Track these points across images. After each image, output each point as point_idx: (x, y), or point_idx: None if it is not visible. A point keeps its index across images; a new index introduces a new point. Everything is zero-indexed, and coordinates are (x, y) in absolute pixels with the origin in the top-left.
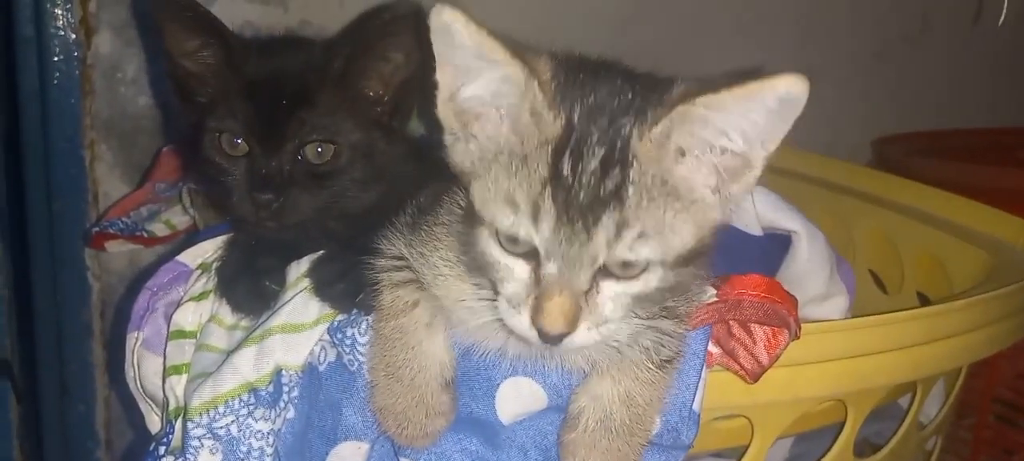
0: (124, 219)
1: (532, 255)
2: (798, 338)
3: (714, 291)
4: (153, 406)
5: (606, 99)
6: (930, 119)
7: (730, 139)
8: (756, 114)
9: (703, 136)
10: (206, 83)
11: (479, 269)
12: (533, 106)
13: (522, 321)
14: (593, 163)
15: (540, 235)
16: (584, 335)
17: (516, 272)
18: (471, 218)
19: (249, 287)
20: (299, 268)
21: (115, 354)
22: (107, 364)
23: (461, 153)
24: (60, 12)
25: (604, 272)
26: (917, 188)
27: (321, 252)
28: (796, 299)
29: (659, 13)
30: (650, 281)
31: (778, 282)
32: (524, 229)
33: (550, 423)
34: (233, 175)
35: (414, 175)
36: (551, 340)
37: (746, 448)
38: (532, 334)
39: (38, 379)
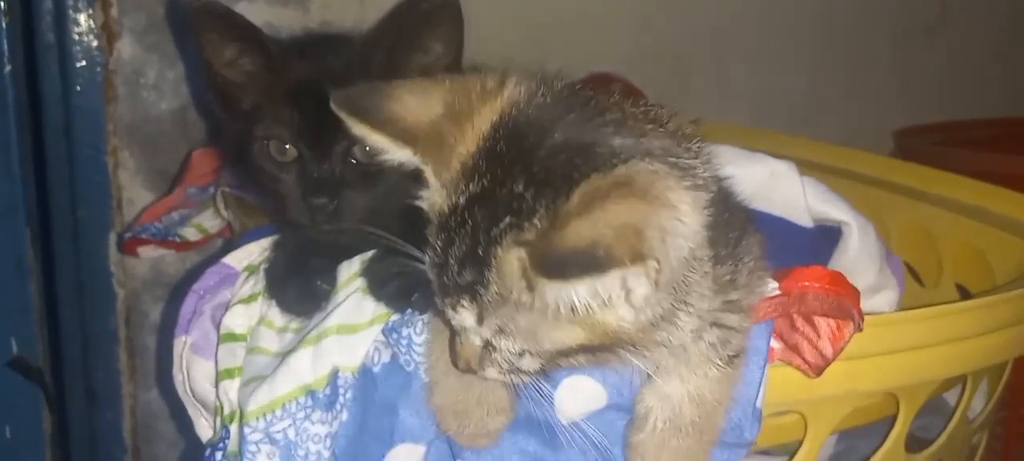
0: (156, 224)
1: None
2: (861, 330)
3: (775, 284)
4: (202, 411)
5: (497, 188)
6: (951, 109)
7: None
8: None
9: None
10: (248, 91)
11: None
12: (432, 180)
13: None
14: (460, 251)
15: (432, 282)
16: (495, 376)
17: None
18: None
19: (301, 288)
20: (350, 267)
21: (141, 361)
22: (133, 371)
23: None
24: (82, 18)
25: None
26: (954, 179)
27: (373, 251)
28: (858, 291)
29: (680, 8)
30: (530, 364)
31: (841, 273)
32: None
33: (610, 422)
34: (285, 182)
35: None
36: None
37: (795, 445)
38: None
39: (65, 387)
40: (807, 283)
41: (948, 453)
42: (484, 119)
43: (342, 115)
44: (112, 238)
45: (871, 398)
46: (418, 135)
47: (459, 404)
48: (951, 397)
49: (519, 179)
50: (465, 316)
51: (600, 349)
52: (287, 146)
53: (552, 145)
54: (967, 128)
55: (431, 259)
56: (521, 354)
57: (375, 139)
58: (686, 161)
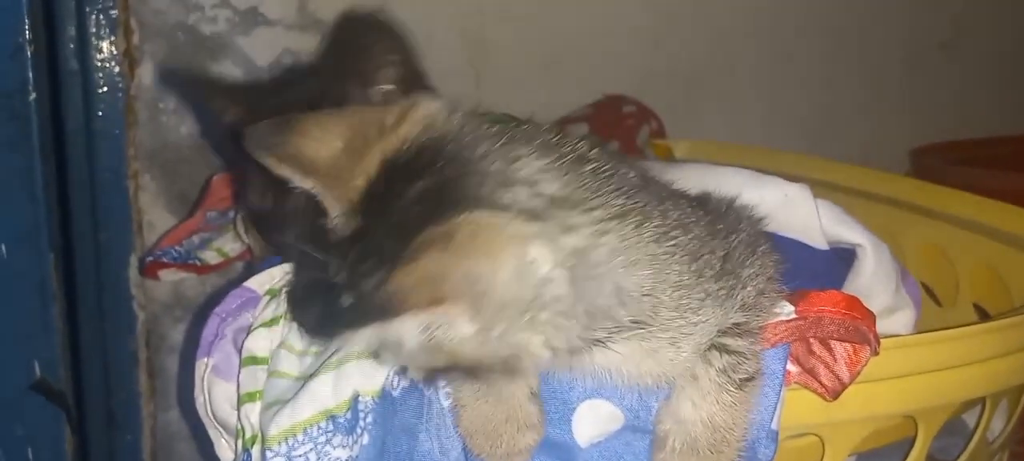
0: (177, 248)
1: None
2: (877, 354)
3: (792, 308)
4: (223, 433)
5: (369, 227)
6: (965, 127)
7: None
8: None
9: None
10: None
11: None
12: (330, 206)
13: None
14: (341, 278)
15: None
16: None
17: None
18: None
19: (322, 311)
20: None
21: (161, 383)
22: (153, 393)
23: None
24: (104, 45)
25: None
26: (971, 199)
27: None
28: (874, 315)
29: (691, 26)
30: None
31: (857, 298)
32: None
33: (626, 443)
34: (272, 222)
35: None
36: None
37: None
38: None
39: (85, 409)
40: (823, 307)
41: None
42: (375, 156)
43: (251, 150)
44: (133, 261)
45: (889, 420)
46: (318, 168)
47: (489, 425)
48: (970, 418)
49: (383, 223)
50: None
51: (469, 369)
52: (265, 191)
53: (418, 190)
54: (984, 146)
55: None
56: (403, 369)
57: (281, 171)
58: (574, 201)
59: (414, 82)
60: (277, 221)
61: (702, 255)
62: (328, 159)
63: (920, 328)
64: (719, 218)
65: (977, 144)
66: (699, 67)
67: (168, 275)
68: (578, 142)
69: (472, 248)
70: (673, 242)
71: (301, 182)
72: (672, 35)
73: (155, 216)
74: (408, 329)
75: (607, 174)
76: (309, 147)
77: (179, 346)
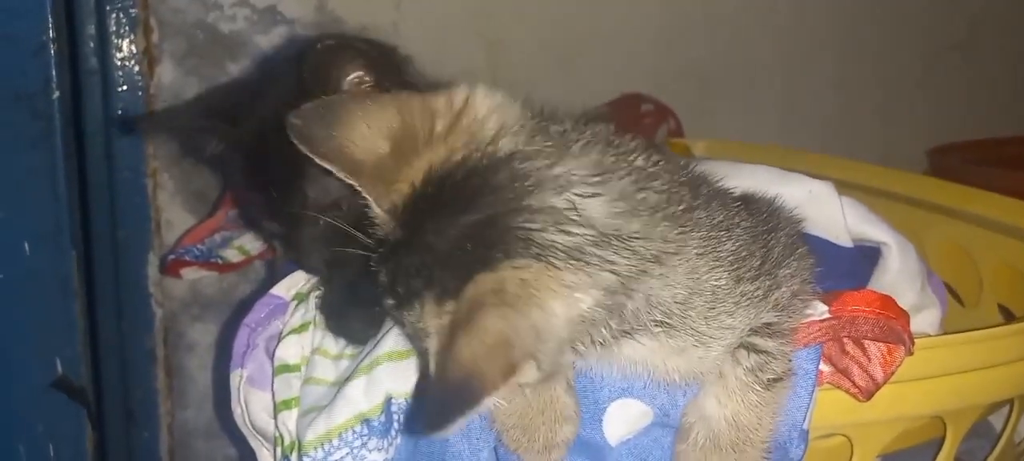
0: (199, 246)
1: None
2: (912, 354)
3: (825, 308)
4: (264, 442)
5: (414, 243)
6: (983, 127)
7: None
8: None
9: None
10: (230, 158)
11: None
12: (377, 206)
13: None
14: (385, 278)
15: None
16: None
17: None
18: None
19: (362, 315)
20: None
21: (178, 381)
22: (170, 390)
23: None
24: (124, 44)
25: None
26: (994, 198)
27: None
28: (908, 314)
29: (706, 26)
30: None
31: (891, 297)
32: None
33: (654, 439)
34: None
35: None
36: None
37: None
38: None
39: (104, 406)
40: (857, 307)
41: None
42: (422, 164)
43: (295, 139)
44: (151, 259)
45: (917, 421)
46: (363, 169)
47: (524, 419)
48: (996, 420)
49: (430, 246)
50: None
51: None
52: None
53: (468, 224)
54: (1002, 145)
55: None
56: None
57: (325, 166)
58: (603, 238)
59: (381, 86)
60: (296, 248)
61: (742, 257)
62: (374, 160)
63: (945, 328)
64: (760, 219)
65: (996, 143)
66: (714, 67)
67: (190, 273)
68: (633, 155)
69: (526, 303)
70: (716, 252)
71: (345, 178)
72: (687, 35)
73: (173, 214)
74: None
75: (658, 195)
76: (354, 144)
77: (197, 344)
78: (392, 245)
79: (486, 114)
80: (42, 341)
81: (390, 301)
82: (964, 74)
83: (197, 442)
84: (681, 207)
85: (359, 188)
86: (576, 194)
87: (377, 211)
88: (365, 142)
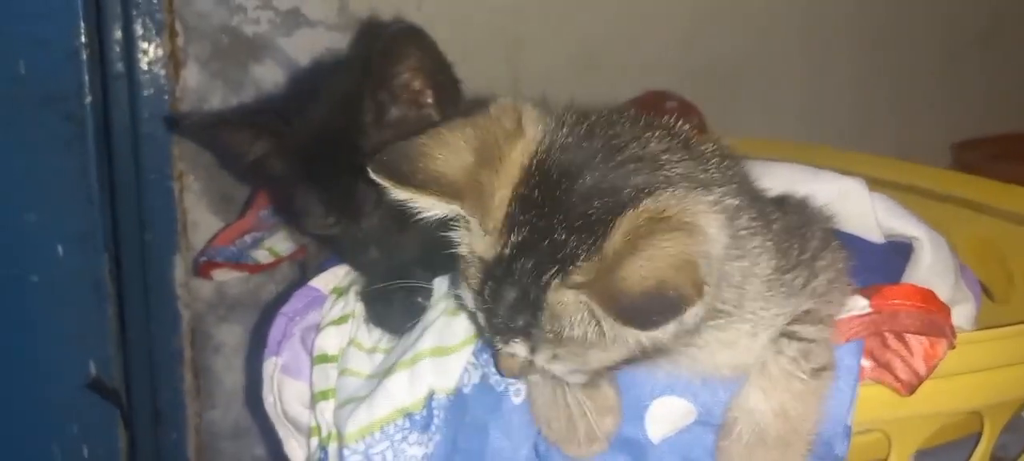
0: (230, 248)
1: None
2: (954, 348)
3: (866, 302)
4: (294, 432)
5: (540, 237)
6: (1004, 122)
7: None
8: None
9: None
10: (274, 164)
11: None
12: (476, 230)
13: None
14: (509, 297)
15: (478, 318)
16: (537, 378)
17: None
18: None
19: (404, 306)
20: (443, 284)
21: (205, 381)
22: (198, 391)
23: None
24: (150, 48)
25: None
26: (1020, 192)
27: None
28: (949, 308)
29: (727, 23)
30: (576, 378)
31: (932, 291)
32: (469, 305)
33: (696, 437)
34: (338, 242)
35: None
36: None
37: None
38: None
39: (132, 407)
40: (898, 301)
41: None
42: (514, 163)
43: (385, 184)
44: (178, 260)
45: (955, 416)
46: (461, 189)
47: (566, 411)
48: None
49: (558, 227)
50: (518, 349)
51: (638, 359)
52: (326, 220)
53: (583, 189)
54: None
55: (476, 302)
56: (571, 372)
57: (422, 201)
58: (707, 181)
59: (438, 79)
60: (352, 242)
61: (783, 249)
62: (467, 176)
63: (977, 323)
64: (794, 215)
65: (1021, 139)
66: (735, 64)
67: (221, 275)
68: (682, 136)
69: (691, 224)
70: (762, 236)
71: (445, 208)
72: (708, 32)
73: (199, 216)
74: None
75: (713, 163)
76: (444, 169)
77: (223, 345)
78: (507, 257)
79: (541, 114)
80: (76, 343)
81: (502, 317)
82: (985, 68)
83: (224, 443)
84: (734, 180)
85: (463, 213)
86: (669, 149)
87: (479, 230)
88: (452, 161)
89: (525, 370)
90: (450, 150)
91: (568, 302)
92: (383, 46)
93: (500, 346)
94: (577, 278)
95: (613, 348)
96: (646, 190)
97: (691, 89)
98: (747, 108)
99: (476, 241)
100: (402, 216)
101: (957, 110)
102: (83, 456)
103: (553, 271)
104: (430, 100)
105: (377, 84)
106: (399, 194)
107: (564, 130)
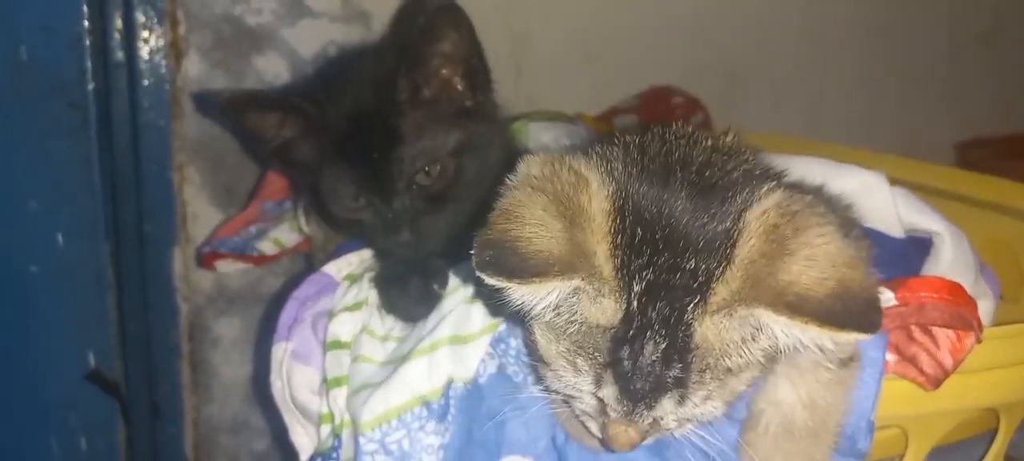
0: (234, 238)
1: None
2: (981, 341)
3: (891, 294)
4: (301, 418)
5: (666, 273)
6: (1009, 121)
7: (801, 345)
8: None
9: (774, 333)
10: (302, 147)
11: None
12: (592, 297)
13: (595, 429)
14: (654, 353)
15: (603, 396)
16: (650, 442)
17: (584, 397)
18: (532, 347)
19: (419, 291)
20: (458, 273)
21: (203, 375)
22: (196, 385)
23: (513, 300)
24: (150, 37)
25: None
26: None
27: None
28: (975, 301)
29: (732, 20)
30: (713, 413)
31: (959, 284)
32: (587, 389)
33: (718, 431)
34: (366, 223)
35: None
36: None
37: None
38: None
39: (130, 400)
40: (925, 293)
41: None
42: (597, 213)
43: (502, 284)
44: (177, 253)
45: (972, 414)
46: (572, 261)
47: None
48: None
49: (681, 256)
50: (664, 408)
51: (762, 372)
52: (355, 198)
53: (686, 212)
54: None
55: (615, 372)
56: (714, 410)
57: (542, 289)
58: (776, 174)
59: (471, 63)
60: (383, 223)
61: None
62: (569, 246)
63: (994, 321)
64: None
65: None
66: (740, 61)
67: (224, 265)
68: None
69: (824, 216)
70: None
71: (566, 286)
72: (714, 28)
73: (199, 208)
74: None
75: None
76: (547, 247)
77: (222, 339)
78: (636, 309)
79: (570, 156)
80: (75, 334)
81: (650, 376)
82: (989, 66)
83: (222, 437)
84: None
85: (583, 283)
86: (725, 155)
87: (597, 294)
88: (548, 236)
89: (648, 436)
90: (539, 225)
91: (721, 327)
92: (424, 23)
93: (640, 415)
94: (722, 296)
95: (749, 370)
96: (748, 190)
97: (695, 84)
98: (751, 104)
99: (592, 312)
100: (433, 198)
101: (961, 109)
102: (82, 449)
103: (695, 301)
104: (461, 87)
105: (413, 63)
106: (519, 292)
107: (619, 164)
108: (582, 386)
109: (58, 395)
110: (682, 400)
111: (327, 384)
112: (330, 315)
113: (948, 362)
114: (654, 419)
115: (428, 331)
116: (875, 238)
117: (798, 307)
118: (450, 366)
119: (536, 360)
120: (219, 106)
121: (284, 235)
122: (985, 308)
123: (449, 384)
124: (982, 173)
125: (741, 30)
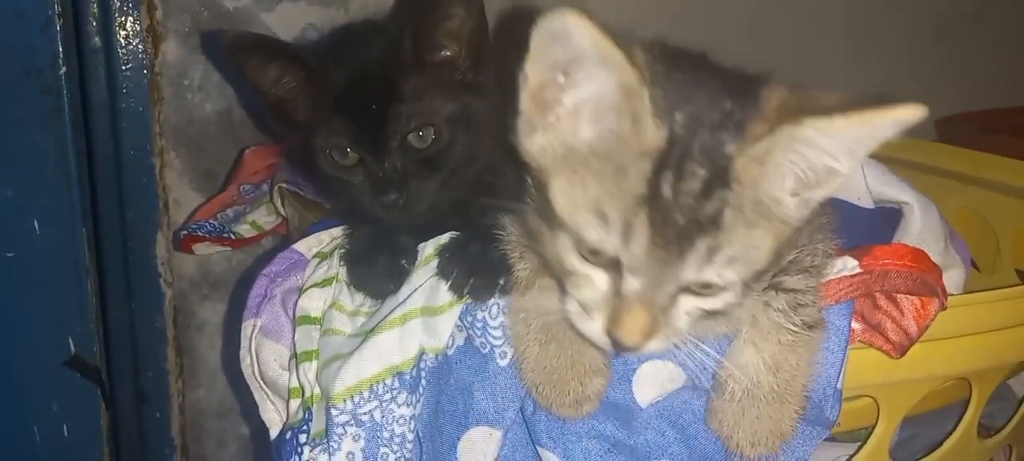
0: (211, 221)
1: (613, 265)
2: (945, 308)
3: (855, 263)
4: (269, 394)
5: (705, 109)
6: (990, 97)
7: (834, 160)
8: (869, 140)
9: (807, 156)
10: (299, 104)
11: (548, 265)
12: (636, 114)
13: (594, 327)
14: (695, 184)
15: (629, 253)
16: (655, 345)
17: (595, 281)
18: (547, 216)
19: (387, 267)
20: (426, 249)
21: (189, 360)
22: (181, 370)
23: (537, 144)
24: (128, 22)
25: (684, 288)
26: (1006, 163)
27: (449, 237)
28: (940, 268)
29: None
30: (726, 298)
31: (923, 251)
32: (612, 244)
33: (684, 402)
34: (354, 183)
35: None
36: (624, 350)
37: (865, 431)
38: (604, 340)
39: (115, 386)
40: (888, 261)
41: (1017, 439)
42: (637, 58)
43: (577, 26)
44: (159, 238)
45: (943, 383)
46: (636, 61)
47: (554, 374)
48: (1016, 384)
49: (721, 95)
50: (692, 260)
51: (770, 268)
52: (348, 151)
53: (712, 73)
54: (1010, 115)
55: (650, 209)
56: (734, 280)
57: (610, 53)
58: None
59: (475, 41)
60: (372, 182)
61: None
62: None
63: (965, 292)
64: None
65: (1005, 113)
66: (724, 41)
67: (202, 249)
68: None
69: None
70: None
71: (622, 72)
72: (696, 6)
73: (181, 193)
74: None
75: None
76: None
77: (206, 323)
78: (678, 137)
79: None
80: (54, 320)
81: (685, 212)
82: (973, 44)
83: (209, 421)
84: None
85: (637, 79)
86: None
87: (648, 106)
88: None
89: (655, 328)
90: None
91: (759, 155)
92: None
93: (670, 265)
94: (759, 129)
95: (773, 226)
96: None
97: None
98: None
99: (634, 138)
100: (425, 163)
101: (945, 85)
102: (63, 435)
103: (733, 134)
104: (464, 62)
105: (420, 31)
106: (595, 39)
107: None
108: (605, 245)
109: (38, 382)
110: (711, 255)
111: (297, 359)
112: (300, 291)
113: (912, 329)
114: (671, 295)
115: (399, 302)
116: (845, 209)
117: (836, 108)
118: (422, 336)
119: (540, 245)
120: (224, 46)
121: (261, 218)
122: (955, 277)
123: (421, 354)
124: (963, 147)
125: (724, 11)
